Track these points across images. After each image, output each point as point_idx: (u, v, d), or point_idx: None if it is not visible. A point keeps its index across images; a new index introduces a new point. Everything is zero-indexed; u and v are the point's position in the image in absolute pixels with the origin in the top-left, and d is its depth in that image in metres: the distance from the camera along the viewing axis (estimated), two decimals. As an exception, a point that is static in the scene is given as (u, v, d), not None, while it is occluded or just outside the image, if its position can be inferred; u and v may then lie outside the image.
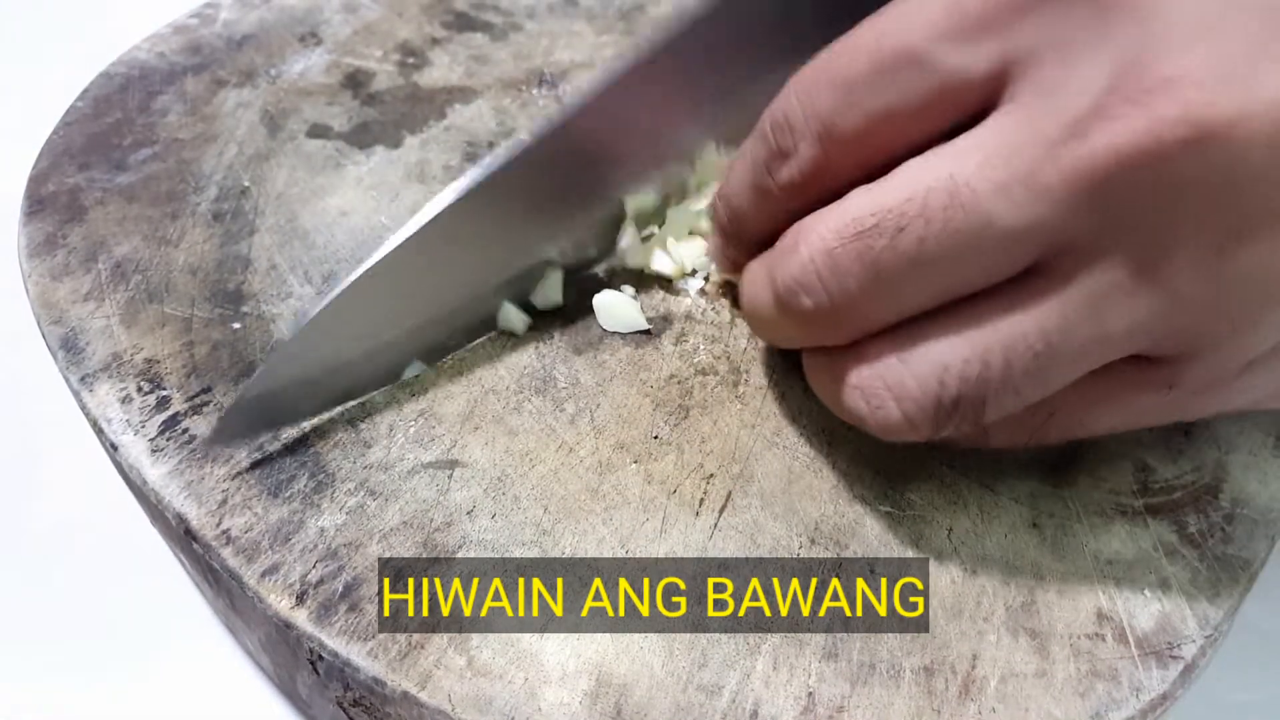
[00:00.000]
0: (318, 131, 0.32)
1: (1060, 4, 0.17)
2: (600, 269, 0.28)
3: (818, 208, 0.20)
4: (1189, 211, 0.17)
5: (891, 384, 0.20)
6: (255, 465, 0.23)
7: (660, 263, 0.28)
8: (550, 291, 0.27)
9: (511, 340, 0.26)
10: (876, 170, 0.20)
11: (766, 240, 0.22)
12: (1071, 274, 0.18)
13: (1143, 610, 0.22)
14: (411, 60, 0.36)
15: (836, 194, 0.20)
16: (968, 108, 0.19)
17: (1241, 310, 0.18)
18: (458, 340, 0.26)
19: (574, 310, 0.27)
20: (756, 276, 0.22)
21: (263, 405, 0.23)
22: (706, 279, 0.28)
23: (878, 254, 0.19)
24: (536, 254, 0.27)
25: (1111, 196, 0.17)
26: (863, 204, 0.19)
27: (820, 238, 0.20)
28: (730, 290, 0.28)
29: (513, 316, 0.26)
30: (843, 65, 0.20)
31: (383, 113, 0.33)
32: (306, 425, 0.24)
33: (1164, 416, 0.21)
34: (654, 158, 0.28)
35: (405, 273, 0.24)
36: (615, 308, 0.27)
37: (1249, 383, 0.20)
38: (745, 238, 0.24)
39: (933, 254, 0.18)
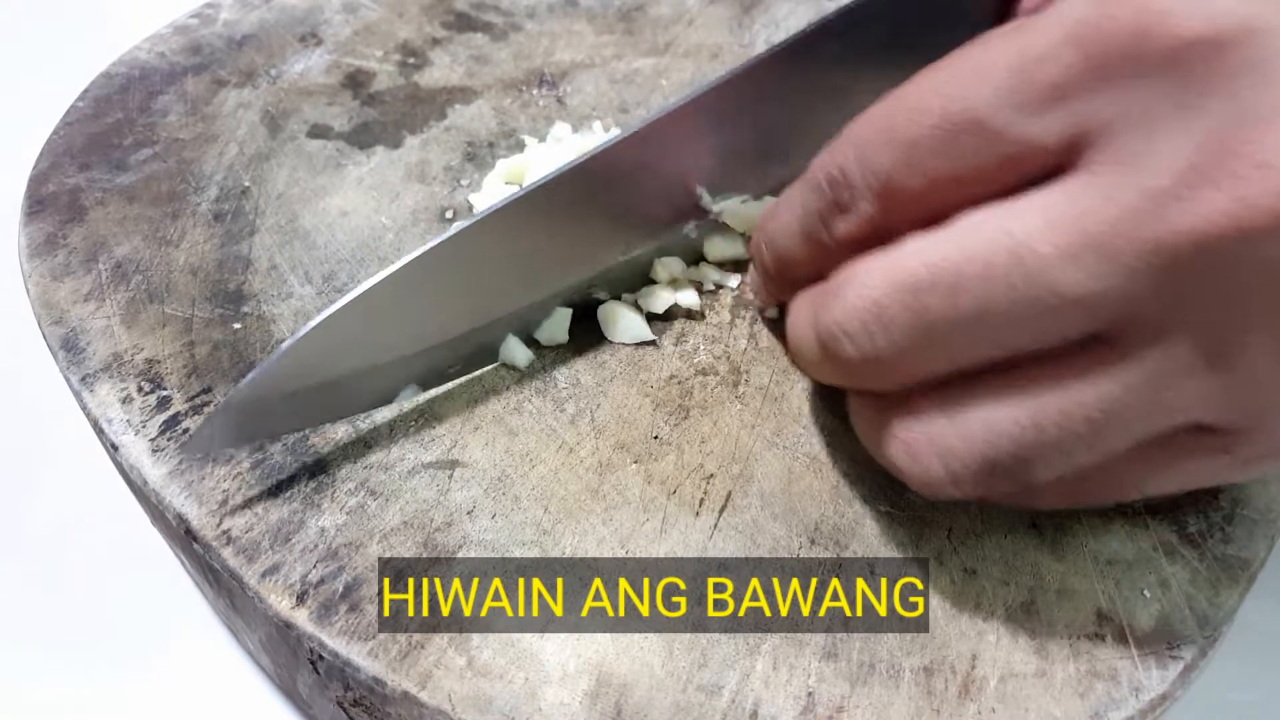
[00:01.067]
0: (318, 131, 0.32)
1: (1142, 75, 0.17)
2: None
3: (859, 258, 0.20)
4: (1266, 296, 0.16)
5: (937, 441, 0.19)
6: (256, 465, 0.23)
7: (684, 299, 0.28)
8: (556, 330, 0.26)
9: (512, 340, 0.26)
10: (934, 220, 0.19)
11: (813, 278, 0.22)
12: (1138, 347, 0.17)
13: (1142, 610, 0.22)
14: (412, 60, 0.36)
15: (890, 240, 0.20)
16: (1035, 172, 0.18)
17: None
18: (458, 369, 0.25)
19: (574, 312, 0.27)
20: (801, 315, 0.22)
21: (248, 413, 0.22)
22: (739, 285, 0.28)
23: (930, 308, 0.18)
24: (547, 289, 0.26)
25: (1188, 274, 0.16)
26: (918, 256, 0.18)
27: (870, 287, 0.19)
28: (775, 326, 0.28)
29: (516, 351, 0.26)
30: (904, 125, 0.19)
31: (383, 113, 0.33)
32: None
33: (1216, 479, 0.20)
34: (674, 209, 0.27)
35: (410, 294, 0.23)
36: (620, 320, 0.27)
37: None
38: (790, 280, 0.23)
39: (988, 314, 0.18)
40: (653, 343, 0.27)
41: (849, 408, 0.22)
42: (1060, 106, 0.17)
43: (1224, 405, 0.18)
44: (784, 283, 0.23)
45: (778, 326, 0.27)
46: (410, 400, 0.25)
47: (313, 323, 0.22)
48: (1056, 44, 0.17)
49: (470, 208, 0.30)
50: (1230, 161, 0.16)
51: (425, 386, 0.25)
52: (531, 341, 0.26)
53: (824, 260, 0.21)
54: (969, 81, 0.18)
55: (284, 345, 0.22)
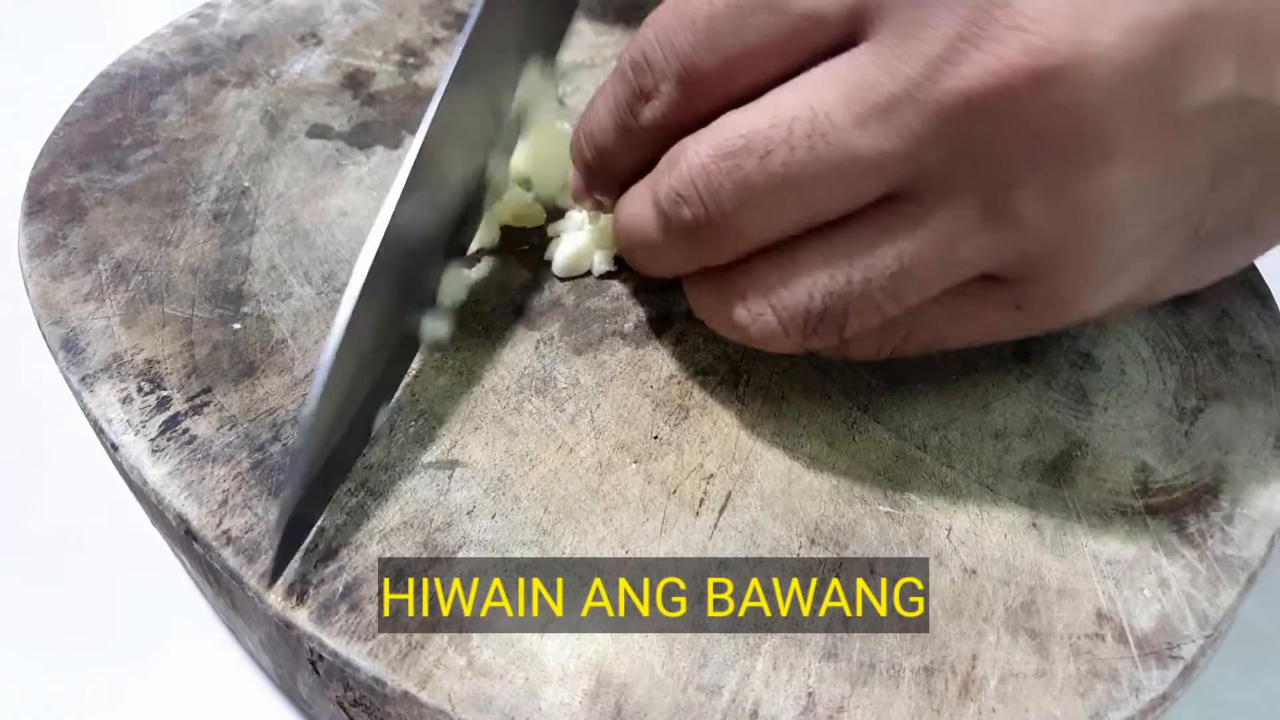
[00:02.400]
0: (318, 131, 0.32)
1: None
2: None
3: (686, 137, 0.22)
4: (1032, 147, 0.18)
5: (768, 295, 0.22)
6: (256, 465, 0.23)
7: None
8: (453, 289, 0.26)
9: (511, 340, 0.26)
10: (743, 100, 0.21)
11: (633, 175, 0.24)
12: (925, 203, 0.19)
13: (1143, 610, 0.22)
14: (411, 60, 0.36)
15: (705, 123, 0.21)
16: (826, 45, 0.20)
17: (1081, 237, 0.19)
18: (398, 371, 0.25)
19: (573, 311, 0.27)
20: (638, 197, 0.23)
21: (297, 519, 0.21)
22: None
23: (747, 173, 0.20)
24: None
25: (962, 132, 0.18)
26: (733, 126, 0.20)
27: (697, 154, 0.21)
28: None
29: (431, 328, 0.25)
30: (700, 5, 0.21)
31: (383, 113, 0.33)
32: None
33: (1015, 331, 0.22)
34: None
35: (357, 332, 0.22)
36: (569, 253, 0.28)
37: (1094, 298, 0.21)
38: (612, 173, 0.25)
39: (797, 177, 0.20)
40: (653, 333, 0.27)
41: (687, 293, 0.24)
42: None
43: (1004, 255, 0.20)
44: (606, 177, 0.25)
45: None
46: (382, 419, 0.24)
47: (311, 407, 0.21)
48: None
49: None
50: (990, 26, 0.18)
51: (389, 400, 0.25)
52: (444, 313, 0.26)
53: (640, 151, 0.23)
54: None
55: (297, 437, 0.21)
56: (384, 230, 0.23)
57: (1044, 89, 0.17)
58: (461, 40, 0.25)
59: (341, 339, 0.22)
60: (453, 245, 0.26)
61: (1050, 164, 0.18)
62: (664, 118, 0.22)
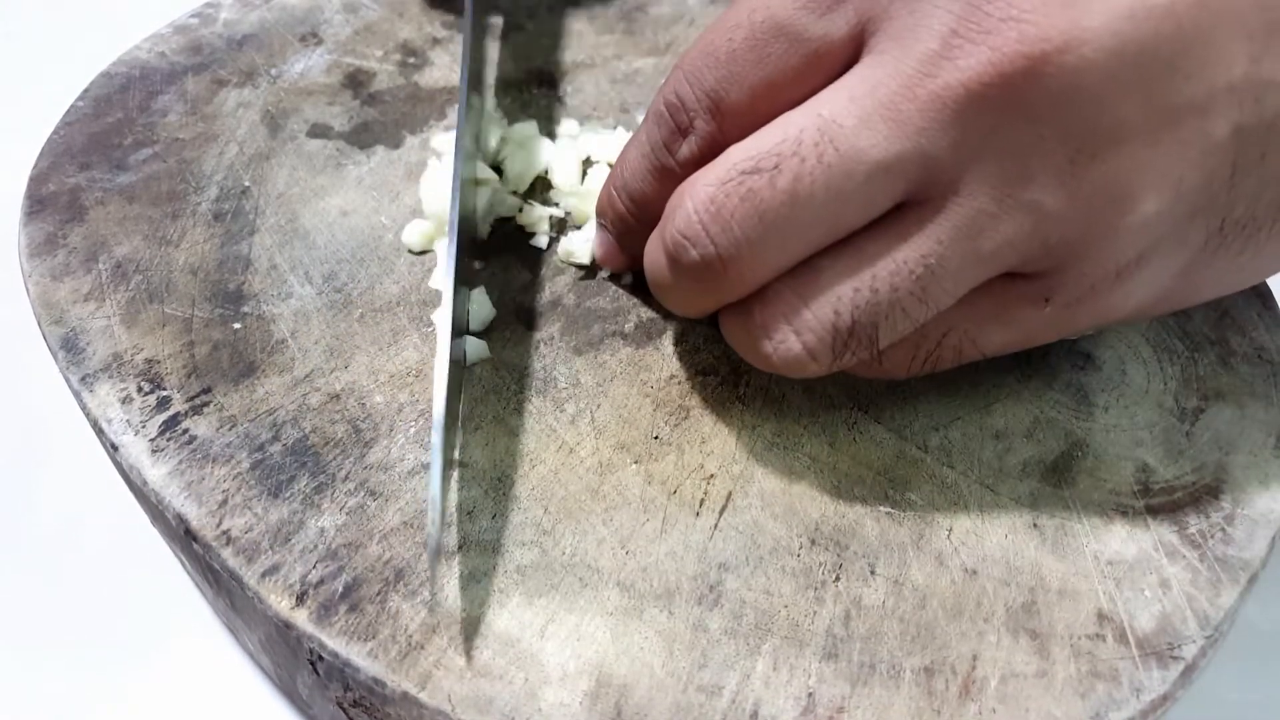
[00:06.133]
0: (318, 131, 0.32)
1: None
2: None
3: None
4: (1036, 134, 0.18)
5: (790, 318, 0.21)
6: (256, 465, 0.23)
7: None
8: (482, 310, 0.27)
9: (511, 340, 0.26)
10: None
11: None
12: (940, 202, 0.20)
13: (1143, 610, 0.21)
14: (412, 60, 0.36)
15: None
16: (836, 67, 0.21)
17: (1099, 221, 0.19)
18: (458, 400, 0.25)
19: (573, 311, 0.27)
20: (652, 246, 0.23)
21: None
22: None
23: (758, 194, 0.20)
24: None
25: (965, 125, 0.19)
26: (741, 151, 0.20)
27: (703, 188, 0.21)
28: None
29: (474, 350, 0.26)
30: (722, 43, 0.22)
31: (383, 113, 0.33)
32: (306, 426, 0.24)
33: (1049, 331, 0.22)
34: None
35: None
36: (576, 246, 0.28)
37: (1124, 291, 0.21)
38: (648, 224, 0.24)
39: (809, 191, 0.20)
40: (651, 339, 0.27)
41: (722, 328, 0.24)
42: (843, 4, 0.20)
43: (1027, 247, 0.20)
44: (642, 228, 0.25)
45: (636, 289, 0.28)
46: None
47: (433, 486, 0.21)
48: None
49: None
50: (982, 19, 0.18)
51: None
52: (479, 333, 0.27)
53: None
54: None
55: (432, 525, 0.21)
56: (450, 298, 0.23)
57: (1041, 76, 0.18)
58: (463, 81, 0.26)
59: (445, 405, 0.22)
60: (469, 269, 0.27)
61: (1059, 149, 0.19)
62: (700, 153, 0.22)
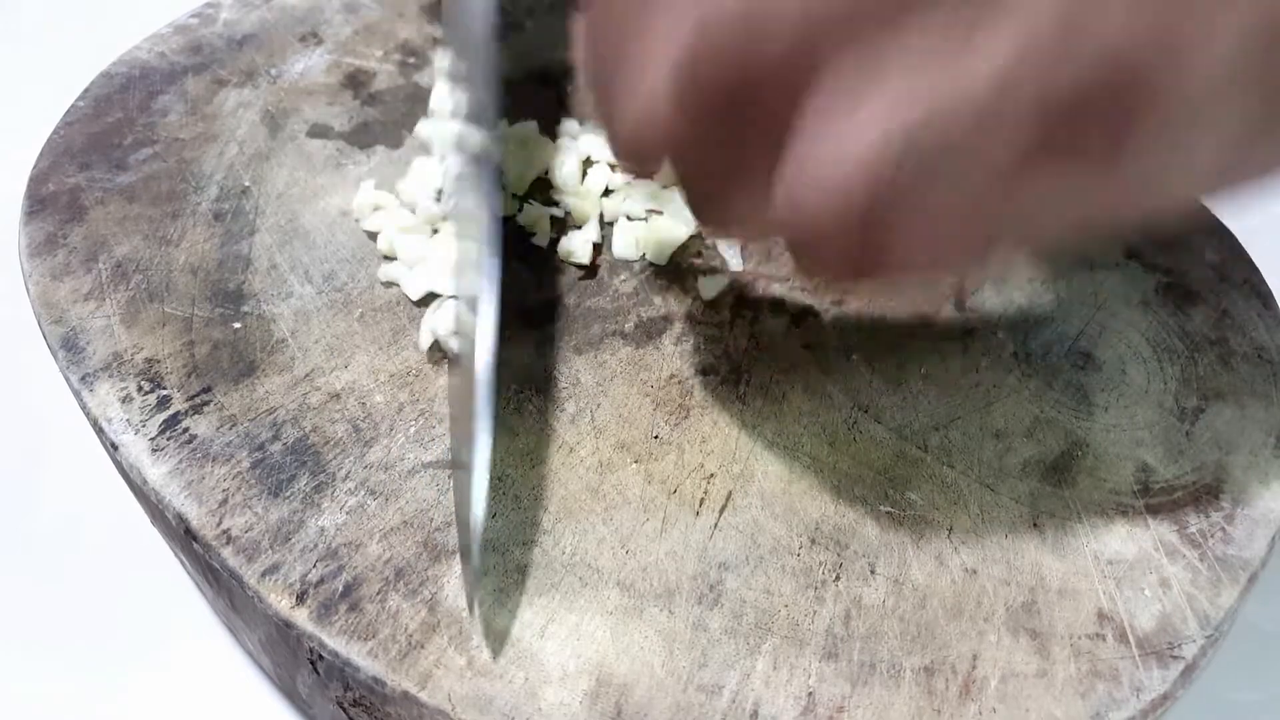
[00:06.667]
0: (318, 131, 0.32)
1: None
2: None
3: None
4: None
5: (818, 167, 0.17)
6: (256, 465, 0.23)
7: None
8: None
9: (511, 340, 0.26)
10: None
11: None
12: (1007, 15, 0.17)
13: (1143, 610, 0.21)
14: (412, 60, 0.36)
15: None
16: None
17: (1166, 53, 0.17)
18: None
19: (573, 310, 0.27)
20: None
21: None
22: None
23: None
24: None
25: None
26: None
27: None
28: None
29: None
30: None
31: (383, 113, 0.33)
32: (307, 426, 0.24)
33: (1105, 207, 0.20)
34: None
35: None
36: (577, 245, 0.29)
37: (1181, 156, 0.19)
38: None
39: None
40: (649, 335, 0.27)
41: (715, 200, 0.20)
42: None
43: (1090, 80, 0.17)
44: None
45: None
46: None
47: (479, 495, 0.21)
48: None
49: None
50: None
51: None
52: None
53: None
54: None
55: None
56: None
57: None
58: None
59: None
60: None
61: None
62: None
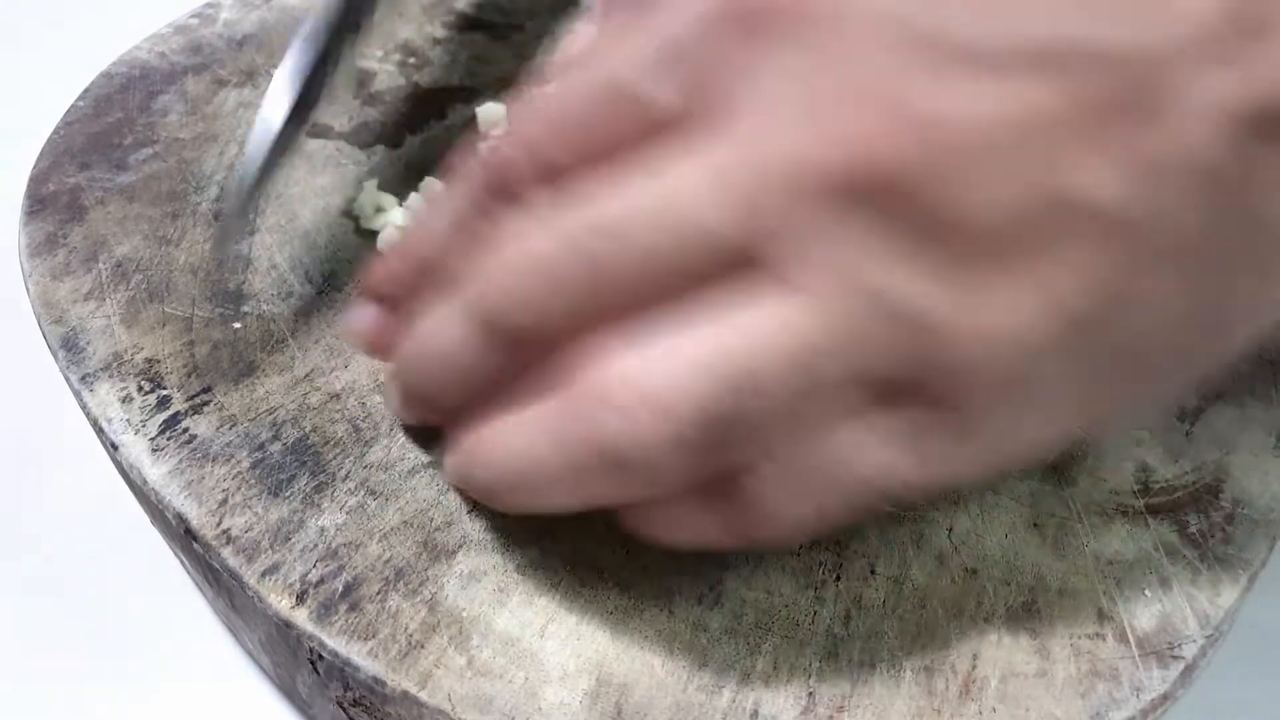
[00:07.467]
0: (318, 131, 0.32)
1: (751, 36, 0.17)
2: None
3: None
4: (890, 225, 0.16)
5: (644, 386, 0.17)
6: (255, 465, 0.23)
7: None
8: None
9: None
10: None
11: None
12: (790, 282, 0.17)
13: (1143, 610, 0.22)
14: (412, 60, 0.36)
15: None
16: (680, 135, 0.18)
17: (968, 330, 0.17)
18: None
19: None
20: (441, 319, 0.20)
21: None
22: None
23: (595, 253, 0.18)
24: None
25: (813, 211, 0.16)
26: (578, 217, 0.18)
27: (537, 243, 0.19)
28: None
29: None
30: (562, 106, 0.20)
31: (383, 113, 0.33)
32: (307, 425, 0.24)
33: (963, 460, 0.18)
34: None
35: None
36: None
37: (1027, 418, 0.18)
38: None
39: (651, 248, 0.17)
40: None
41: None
42: (681, 68, 0.18)
43: (893, 345, 0.17)
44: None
45: None
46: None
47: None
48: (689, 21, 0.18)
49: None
50: (832, 107, 0.16)
51: None
52: None
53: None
54: (608, 53, 0.19)
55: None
56: None
57: (896, 166, 0.16)
58: None
59: None
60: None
61: (913, 244, 0.16)
62: (522, 220, 0.20)
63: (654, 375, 0.17)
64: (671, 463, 0.17)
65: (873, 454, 0.18)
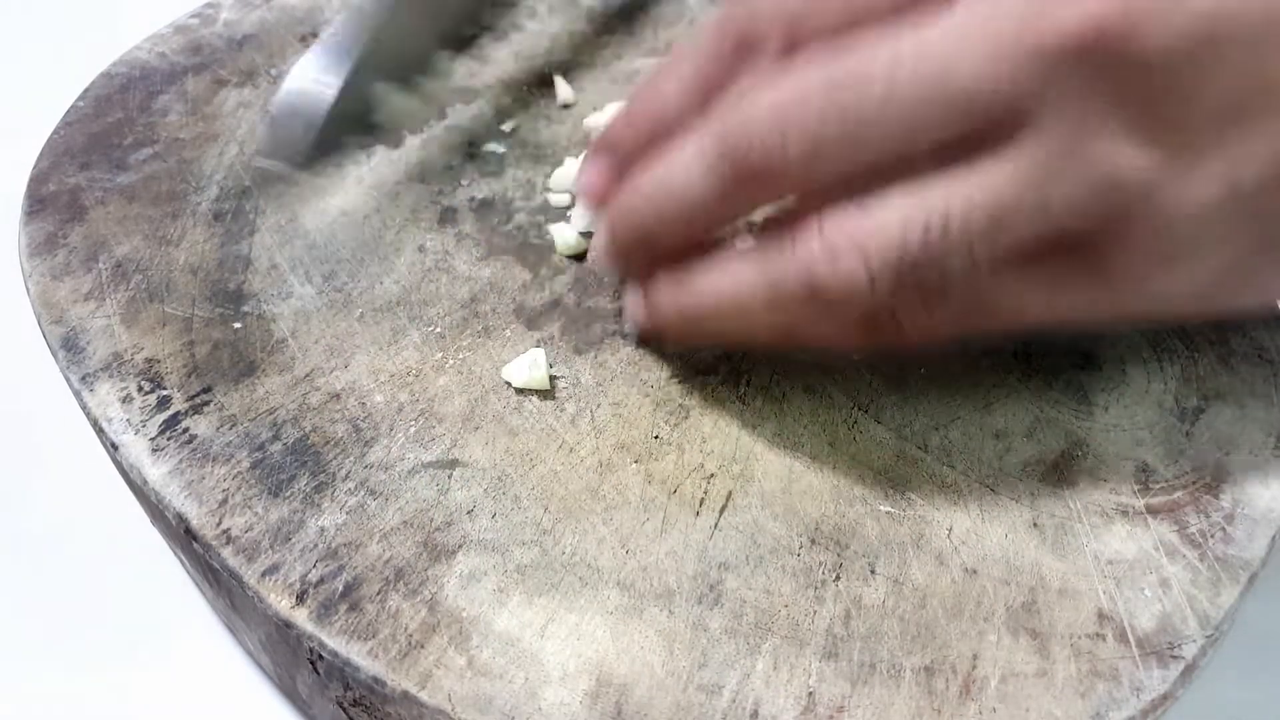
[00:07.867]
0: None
1: None
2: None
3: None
4: (1122, 94, 0.18)
5: (855, 235, 0.20)
6: (256, 465, 0.23)
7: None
8: (536, 371, 0.25)
9: (511, 340, 0.26)
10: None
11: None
12: (1017, 141, 0.19)
13: (1143, 610, 0.21)
14: (412, 60, 0.36)
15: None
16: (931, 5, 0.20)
17: (1164, 194, 0.19)
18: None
19: (574, 310, 0.27)
20: (682, 159, 0.22)
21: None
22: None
23: (841, 101, 0.19)
24: None
25: (1057, 72, 0.18)
26: (820, 69, 0.20)
27: (781, 90, 0.20)
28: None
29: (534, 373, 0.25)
30: None
31: (383, 113, 0.33)
32: (307, 426, 0.24)
33: (1093, 308, 0.22)
34: None
35: None
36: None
37: (1171, 273, 0.21)
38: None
39: (900, 97, 0.19)
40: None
41: (676, 298, 0.23)
42: None
43: (1090, 206, 0.19)
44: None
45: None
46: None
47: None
48: None
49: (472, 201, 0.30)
50: None
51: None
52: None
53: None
54: None
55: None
56: None
57: (1132, 39, 0.18)
58: None
59: None
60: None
61: (1141, 113, 0.18)
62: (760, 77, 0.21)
63: (866, 223, 0.20)
64: (862, 300, 0.20)
65: (1031, 295, 0.21)
